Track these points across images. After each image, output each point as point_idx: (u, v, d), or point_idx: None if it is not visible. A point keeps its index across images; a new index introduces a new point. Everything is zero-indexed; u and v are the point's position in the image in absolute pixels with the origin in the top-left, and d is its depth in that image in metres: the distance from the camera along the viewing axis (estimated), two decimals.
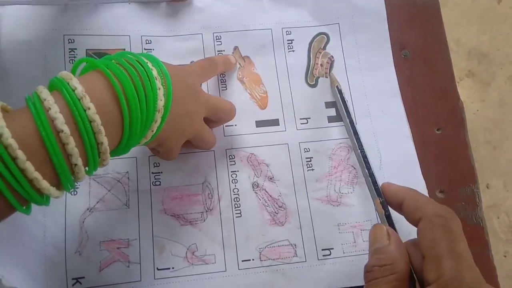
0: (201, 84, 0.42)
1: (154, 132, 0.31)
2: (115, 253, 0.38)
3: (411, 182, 0.42)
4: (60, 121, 0.24)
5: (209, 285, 0.38)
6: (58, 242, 0.37)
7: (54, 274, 0.36)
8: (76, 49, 0.42)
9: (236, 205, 0.40)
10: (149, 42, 0.43)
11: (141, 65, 0.29)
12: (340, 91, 0.42)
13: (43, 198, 0.25)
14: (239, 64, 0.45)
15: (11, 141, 0.23)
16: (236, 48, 0.45)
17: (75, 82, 0.26)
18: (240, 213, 0.40)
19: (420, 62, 0.46)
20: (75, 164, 0.26)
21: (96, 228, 0.38)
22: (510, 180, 1.07)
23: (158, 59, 0.32)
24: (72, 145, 0.25)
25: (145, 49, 0.43)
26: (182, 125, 0.34)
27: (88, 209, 0.39)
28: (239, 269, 0.39)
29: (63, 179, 0.25)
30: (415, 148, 0.43)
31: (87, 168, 0.27)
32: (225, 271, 0.39)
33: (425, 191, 0.42)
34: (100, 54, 0.42)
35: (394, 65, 0.46)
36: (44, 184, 0.24)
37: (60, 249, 0.37)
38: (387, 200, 0.35)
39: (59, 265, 0.37)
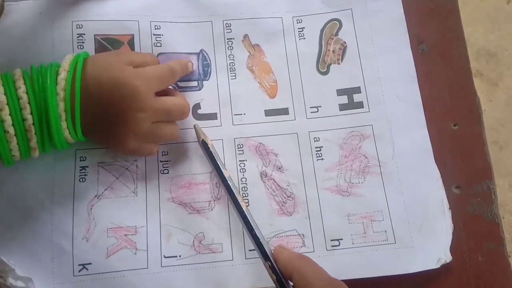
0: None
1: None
2: (122, 240, 0.38)
3: (425, 173, 0.41)
4: None
5: (215, 274, 0.38)
6: (65, 228, 0.37)
7: (61, 260, 0.37)
8: (84, 34, 0.42)
9: (244, 195, 0.40)
10: (158, 28, 0.43)
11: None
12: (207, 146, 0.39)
13: None
14: (249, 52, 0.44)
15: None
16: (246, 36, 0.44)
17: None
18: (248, 202, 0.39)
19: (437, 58, 0.45)
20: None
21: (103, 215, 0.38)
22: None
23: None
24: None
25: (154, 34, 0.43)
26: (109, 119, 0.36)
27: (96, 196, 0.39)
28: (246, 258, 0.38)
29: None
30: (432, 143, 0.42)
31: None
32: (232, 260, 0.38)
33: (439, 183, 0.41)
34: (108, 39, 0.42)
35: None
36: None
37: (68, 235, 0.37)
38: (279, 268, 0.34)
39: (66, 251, 0.37)
